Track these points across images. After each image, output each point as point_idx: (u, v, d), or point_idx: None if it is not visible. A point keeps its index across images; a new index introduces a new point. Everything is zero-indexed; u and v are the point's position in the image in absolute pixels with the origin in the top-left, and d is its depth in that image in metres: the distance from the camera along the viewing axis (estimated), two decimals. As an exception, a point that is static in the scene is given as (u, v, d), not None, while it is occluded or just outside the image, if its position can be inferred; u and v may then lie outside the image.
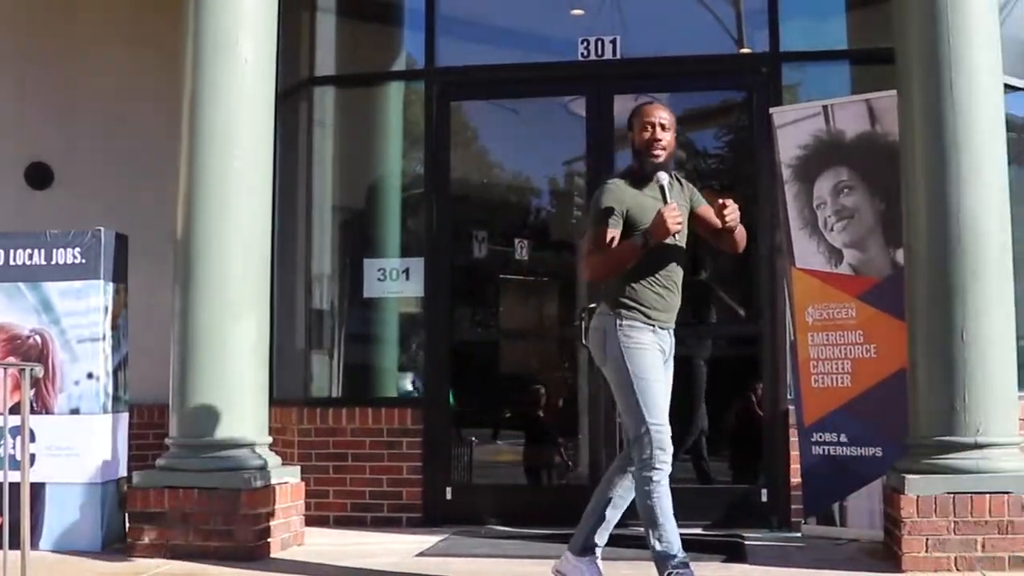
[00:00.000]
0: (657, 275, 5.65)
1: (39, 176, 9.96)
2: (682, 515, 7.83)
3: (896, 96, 6.84)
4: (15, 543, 5.56)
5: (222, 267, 7.00)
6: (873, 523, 7.07)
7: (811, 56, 8.37)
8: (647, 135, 5.70)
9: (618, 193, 5.69)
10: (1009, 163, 6.58)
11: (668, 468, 5.52)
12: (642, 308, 5.59)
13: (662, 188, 5.62)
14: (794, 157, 7.51)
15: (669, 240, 5.60)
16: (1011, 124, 7.18)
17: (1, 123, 9.93)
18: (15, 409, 6.43)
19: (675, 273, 5.70)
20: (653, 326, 5.62)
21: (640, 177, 5.73)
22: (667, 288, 5.67)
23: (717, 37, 8.66)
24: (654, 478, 5.48)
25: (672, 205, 5.54)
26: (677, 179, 5.84)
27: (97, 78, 9.87)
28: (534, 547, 7.22)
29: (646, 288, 5.62)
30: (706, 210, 5.90)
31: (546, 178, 9.79)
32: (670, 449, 5.52)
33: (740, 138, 8.85)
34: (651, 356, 5.59)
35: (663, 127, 5.69)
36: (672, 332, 5.74)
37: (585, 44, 8.48)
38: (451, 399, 8.54)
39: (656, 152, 5.68)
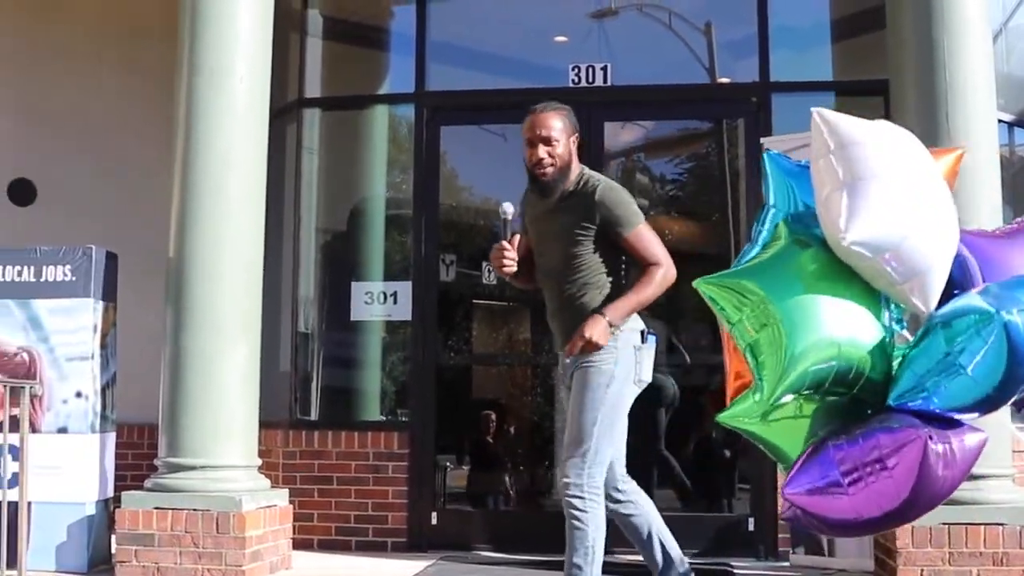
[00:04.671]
0: (547, 297, 5.37)
1: (22, 193, 9.87)
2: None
3: (889, 127, 6.88)
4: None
5: (215, 290, 6.96)
6: (862, 552, 7.08)
7: (800, 86, 8.42)
8: (529, 153, 5.25)
9: (521, 205, 5.50)
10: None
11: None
12: None
13: (504, 223, 5.24)
14: (785, 187, 7.52)
15: (543, 261, 5.31)
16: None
17: (-15, 138, 9.87)
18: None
19: (554, 292, 5.27)
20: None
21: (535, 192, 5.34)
22: (551, 310, 5.35)
23: (707, 66, 8.74)
24: None
25: (500, 244, 5.22)
26: (587, 195, 5.17)
27: (85, 98, 9.80)
28: (523, 574, 7.20)
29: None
30: (628, 242, 5.21)
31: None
32: (567, 477, 5.10)
33: (729, 166, 8.88)
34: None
35: (547, 141, 5.21)
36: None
37: (576, 70, 8.51)
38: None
39: (540, 171, 5.22)
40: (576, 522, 5.02)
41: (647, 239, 5.21)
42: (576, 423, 5.11)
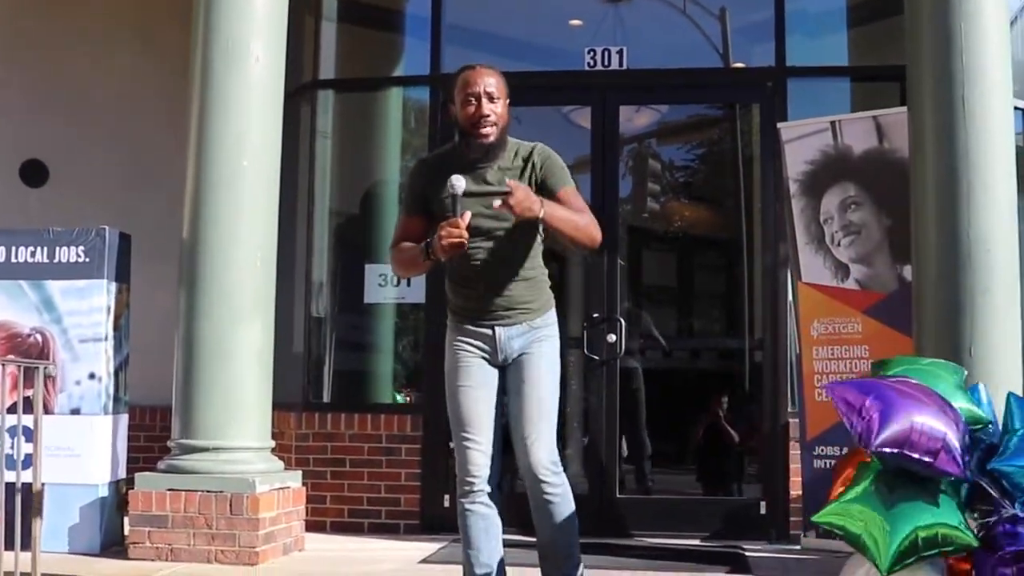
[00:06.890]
0: (460, 276, 4.92)
1: (34, 173, 9.85)
2: (679, 526, 7.96)
3: (904, 113, 6.86)
4: (10, 544, 5.51)
5: (229, 271, 6.96)
6: (875, 538, 7.06)
7: (816, 72, 8.42)
8: (471, 109, 4.72)
9: (415, 177, 5.01)
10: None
11: (474, 490, 4.96)
12: (452, 306, 5.04)
13: (454, 198, 4.61)
14: (801, 172, 7.54)
15: (477, 243, 4.77)
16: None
17: (-2, 118, 9.86)
18: (11, 408, 6.39)
19: (494, 265, 4.83)
20: (463, 321, 4.95)
21: (465, 159, 4.80)
22: (472, 288, 4.88)
23: (722, 50, 8.72)
24: (461, 502, 5.01)
25: (454, 220, 4.58)
26: (526, 159, 4.82)
27: (99, 78, 9.79)
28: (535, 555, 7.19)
29: (451, 286, 5.01)
30: (564, 195, 4.84)
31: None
32: (476, 467, 4.93)
33: (743, 151, 8.86)
34: (453, 358, 4.96)
35: (491, 97, 4.72)
36: (507, 324, 4.88)
37: (591, 54, 8.51)
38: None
39: (484, 130, 4.71)
40: (557, 498, 4.91)
41: (579, 196, 4.96)
42: (544, 401, 4.88)
